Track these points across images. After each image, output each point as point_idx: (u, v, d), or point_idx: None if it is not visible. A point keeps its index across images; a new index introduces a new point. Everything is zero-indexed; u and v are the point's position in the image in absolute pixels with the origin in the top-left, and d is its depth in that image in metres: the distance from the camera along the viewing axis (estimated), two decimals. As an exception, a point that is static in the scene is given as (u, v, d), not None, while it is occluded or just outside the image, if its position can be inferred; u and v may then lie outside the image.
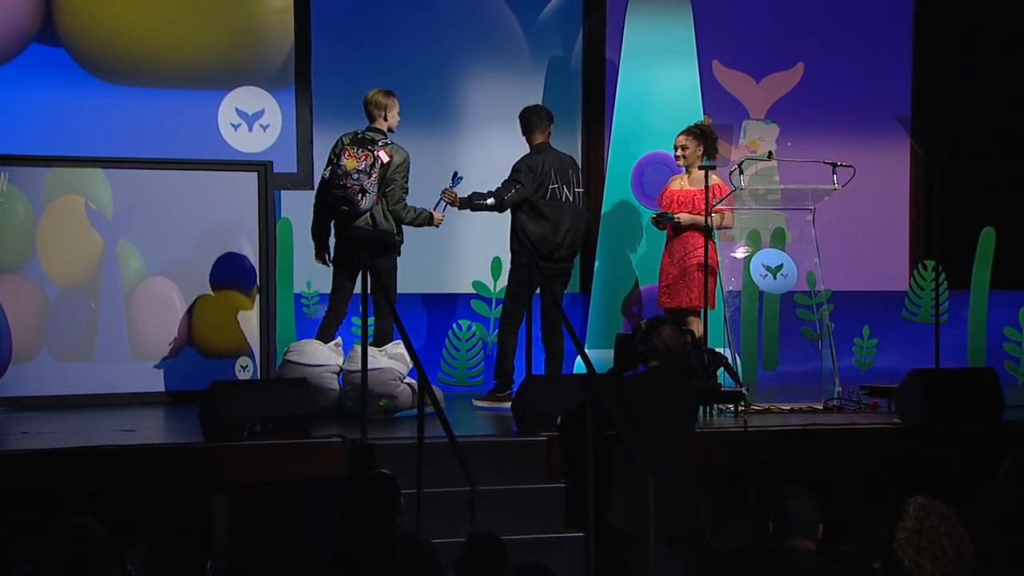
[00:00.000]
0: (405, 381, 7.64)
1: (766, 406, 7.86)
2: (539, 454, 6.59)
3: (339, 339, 7.95)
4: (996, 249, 9.79)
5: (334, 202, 7.75)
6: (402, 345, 7.46)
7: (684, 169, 8.42)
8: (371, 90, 7.94)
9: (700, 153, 8.28)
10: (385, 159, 7.71)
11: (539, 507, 6.37)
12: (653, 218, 8.41)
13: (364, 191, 7.67)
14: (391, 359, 7.64)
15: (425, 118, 9.43)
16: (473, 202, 8.12)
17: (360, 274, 6.78)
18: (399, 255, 7.94)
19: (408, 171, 7.84)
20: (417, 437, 6.09)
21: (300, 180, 9.11)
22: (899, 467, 6.94)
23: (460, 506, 5.86)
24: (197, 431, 6.55)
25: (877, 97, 10.30)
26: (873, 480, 6.86)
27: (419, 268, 9.13)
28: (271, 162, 8.73)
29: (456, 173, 8.13)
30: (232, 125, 9.05)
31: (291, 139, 9.12)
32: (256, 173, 8.61)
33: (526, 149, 8.23)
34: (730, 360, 7.79)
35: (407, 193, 7.86)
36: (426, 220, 7.96)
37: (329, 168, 7.85)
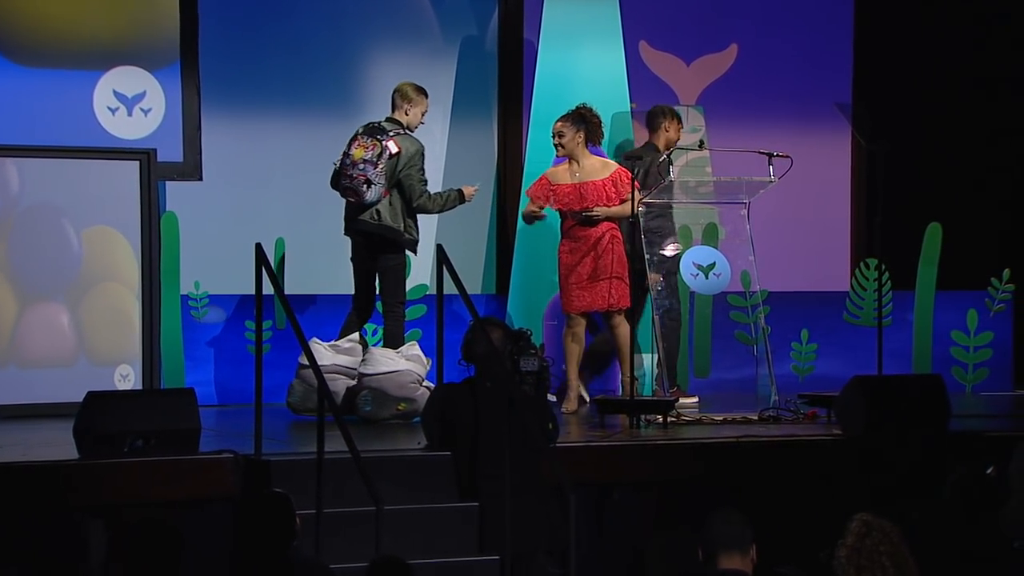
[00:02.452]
0: (424, 384, 7.82)
1: (697, 416, 7.91)
2: (451, 470, 6.58)
3: (355, 336, 8.07)
4: (943, 247, 9.89)
5: (342, 193, 8.06)
6: (418, 347, 7.93)
7: (564, 159, 8.37)
8: (405, 80, 8.22)
9: (580, 140, 8.29)
10: (394, 149, 7.97)
11: (450, 528, 6.36)
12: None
13: (369, 182, 7.93)
14: (408, 361, 7.81)
15: (326, 102, 9.38)
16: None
17: (256, 273, 6.71)
18: (415, 254, 8.24)
19: (423, 162, 8.08)
20: (316, 452, 6.06)
21: (186, 170, 9.02)
22: (840, 481, 7.02)
23: (363, 527, 5.83)
24: (71, 447, 6.47)
25: (816, 82, 10.41)
26: (812, 496, 6.93)
27: (321, 268, 9.09)
28: (154, 150, 8.64)
29: None
30: (109, 109, 8.95)
31: (176, 125, 9.03)
32: (137, 162, 8.52)
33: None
34: (663, 365, 7.82)
35: (426, 184, 8.09)
36: (456, 199, 8.22)
37: (340, 157, 8.07)
